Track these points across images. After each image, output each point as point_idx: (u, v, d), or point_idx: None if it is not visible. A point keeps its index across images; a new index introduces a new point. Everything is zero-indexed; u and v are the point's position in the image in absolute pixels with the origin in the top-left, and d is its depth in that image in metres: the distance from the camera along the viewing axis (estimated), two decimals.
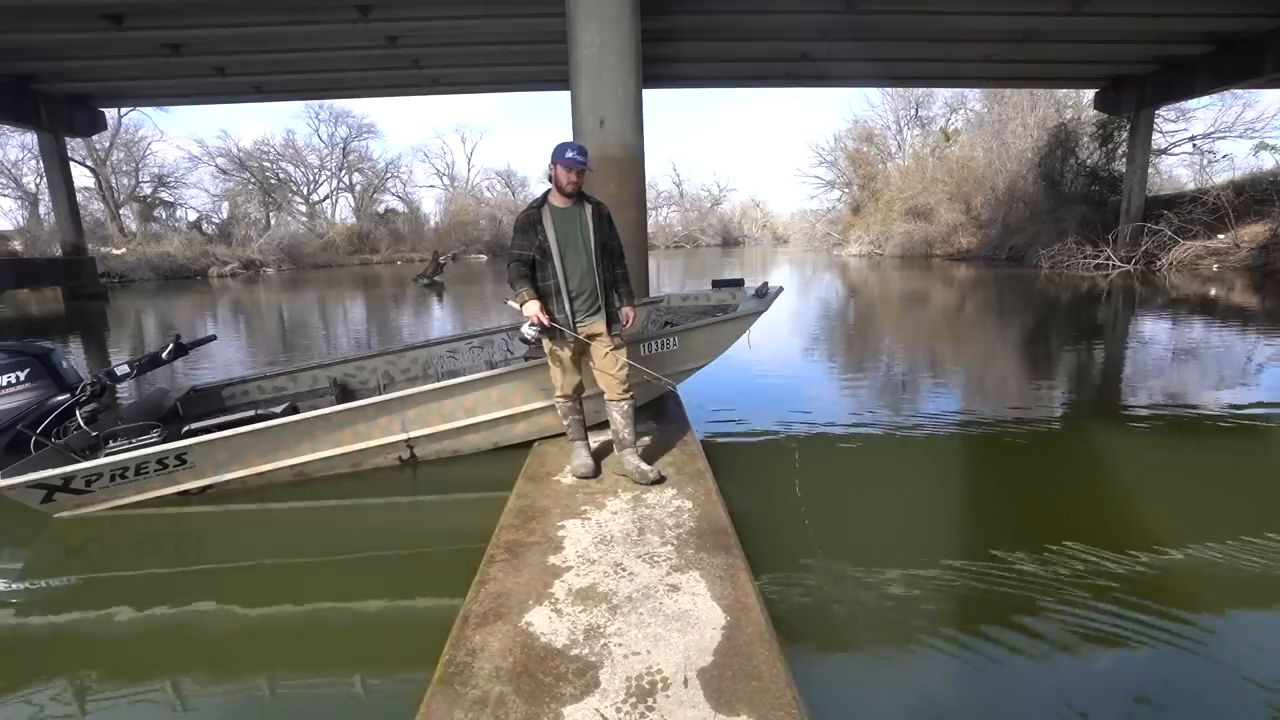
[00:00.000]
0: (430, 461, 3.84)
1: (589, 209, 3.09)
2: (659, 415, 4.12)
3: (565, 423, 3.34)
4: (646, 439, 3.66)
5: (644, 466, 3.12)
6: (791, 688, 1.69)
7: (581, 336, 3.11)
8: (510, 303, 3.12)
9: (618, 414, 3.18)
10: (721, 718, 1.59)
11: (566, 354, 3.16)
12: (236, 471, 3.49)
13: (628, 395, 3.18)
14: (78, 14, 10.33)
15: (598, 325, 3.14)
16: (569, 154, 2.97)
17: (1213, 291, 12.53)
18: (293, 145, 42.56)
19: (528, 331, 3.00)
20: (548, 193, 3.10)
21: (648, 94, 8.44)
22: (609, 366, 3.14)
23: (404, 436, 3.70)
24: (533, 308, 2.99)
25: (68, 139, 17.37)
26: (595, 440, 3.57)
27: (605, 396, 3.22)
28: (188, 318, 14.08)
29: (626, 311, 3.22)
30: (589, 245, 3.06)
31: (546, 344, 3.16)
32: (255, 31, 11.19)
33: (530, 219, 3.06)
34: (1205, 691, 2.00)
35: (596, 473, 3.24)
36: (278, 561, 2.97)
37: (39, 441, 3.31)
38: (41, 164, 19.06)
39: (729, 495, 3.00)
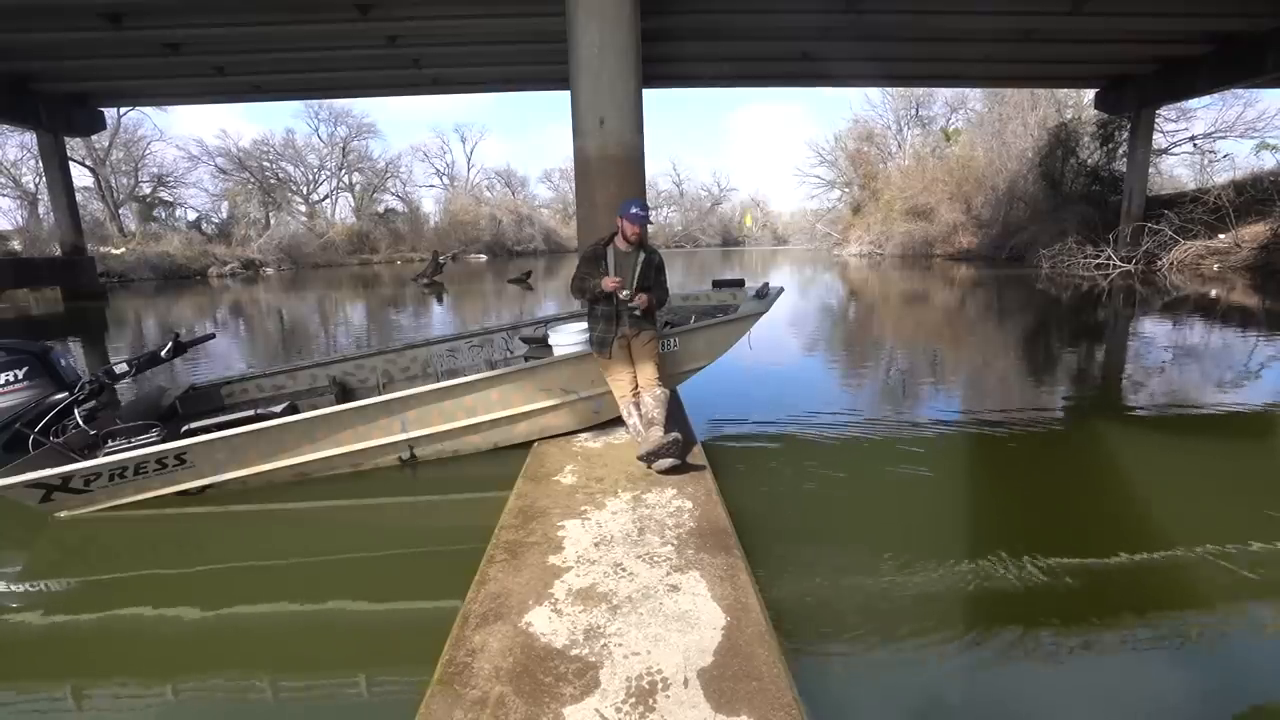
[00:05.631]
0: (430, 461, 3.83)
1: (642, 258, 3.62)
2: None
3: (630, 420, 3.58)
4: None
5: (664, 433, 3.30)
6: (791, 688, 1.68)
7: (623, 307, 3.57)
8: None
9: (650, 398, 3.53)
10: (721, 718, 1.58)
11: (620, 366, 3.63)
12: (236, 471, 3.48)
13: (660, 384, 3.59)
14: (77, 13, 10.33)
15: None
16: (633, 209, 3.56)
17: (1213, 292, 12.52)
18: (292, 145, 42.62)
19: (623, 294, 3.50)
20: (614, 235, 3.66)
21: (648, 94, 8.43)
22: (646, 358, 3.63)
23: (404, 437, 3.70)
24: (610, 282, 3.50)
25: (67, 138, 17.38)
26: (605, 438, 3.70)
27: (641, 385, 3.61)
28: (188, 318, 14.07)
29: (642, 295, 3.57)
30: (633, 287, 3.57)
31: (602, 364, 3.69)
32: (255, 31, 11.19)
33: (597, 252, 3.65)
34: (1206, 692, 2.00)
35: (673, 438, 3.25)
36: (278, 561, 2.96)
37: (37, 440, 3.29)
38: (41, 164, 19.04)
39: (729, 495, 2.99)
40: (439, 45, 12.48)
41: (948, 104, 34.32)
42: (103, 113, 17.94)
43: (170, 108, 35.31)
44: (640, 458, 3.26)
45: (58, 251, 18.00)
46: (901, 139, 36.98)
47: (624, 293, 3.50)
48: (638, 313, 3.60)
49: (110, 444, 3.37)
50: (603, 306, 3.63)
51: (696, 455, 3.44)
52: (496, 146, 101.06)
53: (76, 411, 3.43)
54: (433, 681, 1.75)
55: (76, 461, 3.21)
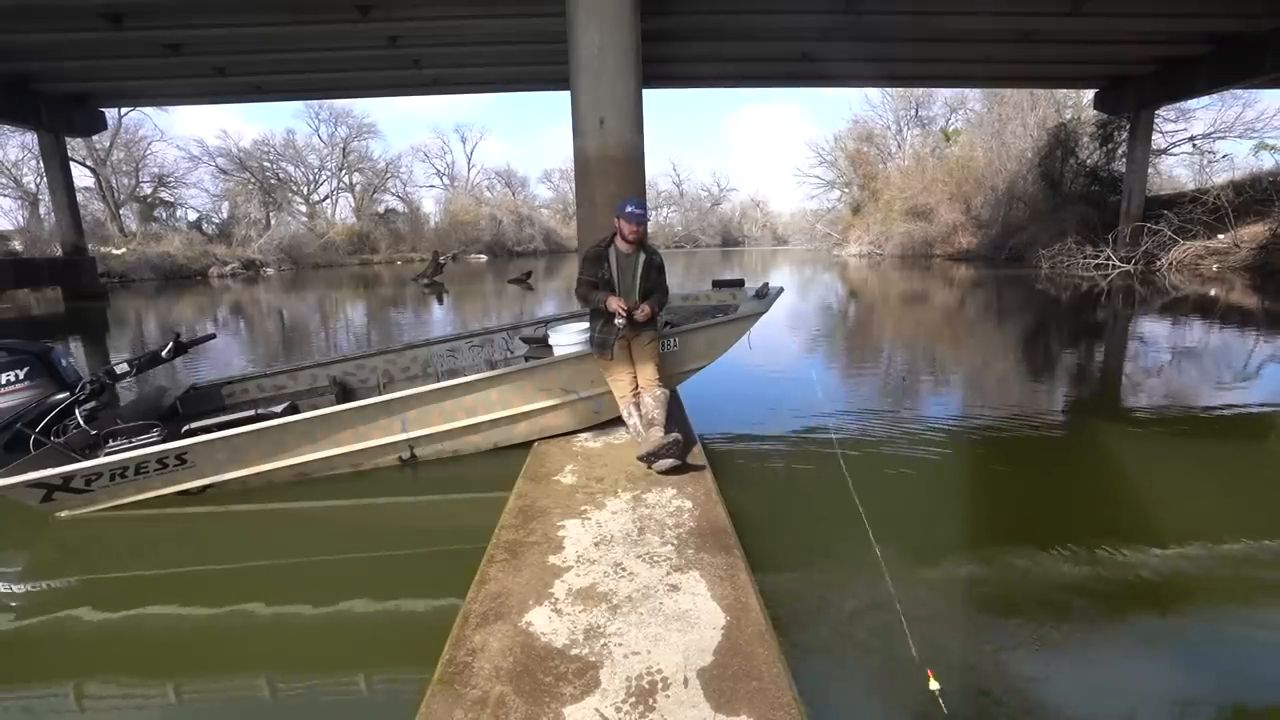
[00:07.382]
0: (430, 461, 3.84)
1: (642, 259, 3.62)
2: None
3: (631, 420, 3.58)
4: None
5: (664, 433, 3.30)
6: (791, 688, 1.69)
7: (628, 316, 3.53)
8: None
9: (650, 399, 3.52)
10: (721, 718, 1.59)
11: (621, 366, 3.62)
12: (236, 471, 3.48)
13: (660, 384, 3.60)
14: (77, 14, 10.33)
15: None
16: (629, 208, 3.52)
17: (1213, 292, 12.52)
18: (293, 145, 42.63)
19: (619, 322, 3.48)
20: (615, 235, 3.62)
21: (648, 94, 8.44)
22: (646, 358, 3.63)
23: (404, 437, 3.70)
24: (614, 303, 3.47)
25: (67, 139, 17.38)
26: (605, 438, 3.70)
27: (641, 385, 3.61)
28: (188, 318, 14.07)
29: (645, 307, 3.56)
30: (635, 291, 3.61)
31: (602, 364, 3.67)
32: (255, 31, 11.19)
33: (599, 254, 3.62)
34: (1205, 690, 2.00)
35: (674, 439, 3.25)
36: (278, 561, 2.96)
37: (38, 440, 3.30)
38: (41, 164, 19.05)
39: (729, 495, 3.00)
40: (439, 45, 12.48)
41: (947, 104, 34.37)
42: (103, 113, 17.94)
43: (171, 108, 35.39)
44: (640, 458, 3.26)
45: (59, 252, 17.98)
46: (901, 139, 37.01)
47: (619, 321, 3.48)
48: (639, 319, 3.58)
49: (111, 444, 3.38)
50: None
51: (696, 455, 3.44)
52: (496, 147, 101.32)
53: (77, 411, 3.43)
54: (433, 681, 1.76)
55: (77, 461, 3.21)
